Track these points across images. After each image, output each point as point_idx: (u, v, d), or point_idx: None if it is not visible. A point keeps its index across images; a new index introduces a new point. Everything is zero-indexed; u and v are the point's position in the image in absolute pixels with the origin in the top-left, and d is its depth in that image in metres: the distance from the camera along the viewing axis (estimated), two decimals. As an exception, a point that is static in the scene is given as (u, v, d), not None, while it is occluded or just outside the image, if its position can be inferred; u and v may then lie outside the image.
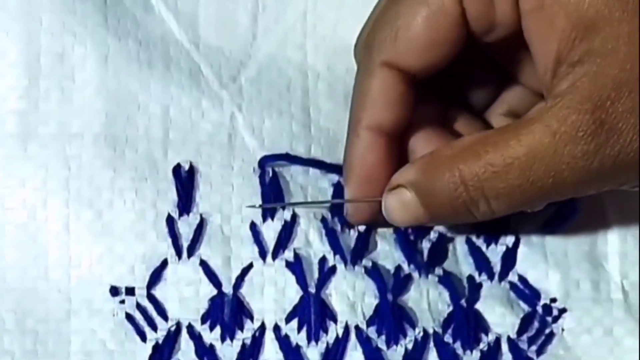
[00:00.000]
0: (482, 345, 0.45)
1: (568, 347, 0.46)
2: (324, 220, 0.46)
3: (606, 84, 0.38)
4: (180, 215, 0.45)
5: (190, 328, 0.44)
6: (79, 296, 0.44)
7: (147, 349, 0.44)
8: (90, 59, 0.45)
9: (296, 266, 0.45)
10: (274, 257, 0.45)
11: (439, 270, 0.46)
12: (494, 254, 0.47)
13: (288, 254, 0.45)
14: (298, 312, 0.44)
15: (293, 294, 0.45)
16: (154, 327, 0.44)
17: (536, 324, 0.46)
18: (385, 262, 0.46)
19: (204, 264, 0.45)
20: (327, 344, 0.44)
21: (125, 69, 0.45)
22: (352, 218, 0.46)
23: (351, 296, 0.45)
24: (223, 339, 0.44)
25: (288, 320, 0.45)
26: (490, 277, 0.46)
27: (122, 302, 0.44)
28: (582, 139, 0.38)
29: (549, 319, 0.46)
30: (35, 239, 0.44)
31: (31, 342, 0.43)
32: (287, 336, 0.44)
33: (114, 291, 0.44)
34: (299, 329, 0.44)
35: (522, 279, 0.46)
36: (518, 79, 0.45)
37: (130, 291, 0.44)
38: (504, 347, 0.45)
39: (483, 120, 0.47)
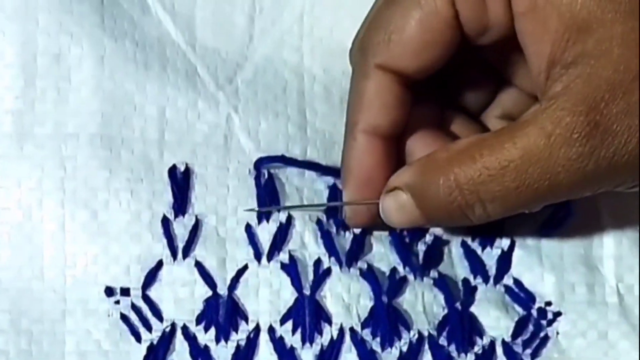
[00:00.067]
0: (477, 349, 0.45)
1: (563, 350, 0.46)
2: (319, 222, 0.46)
3: (600, 85, 0.38)
4: (176, 216, 0.45)
5: (185, 329, 0.44)
6: (74, 296, 0.44)
7: (142, 349, 0.44)
8: (87, 59, 0.45)
9: (291, 268, 0.45)
10: (269, 258, 0.45)
11: (434, 273, 0.46)
12: (489, 257, 0.47)
13: (283, 256, 0.45)
14: (293, 314, 0.44)
15: (288, 295, 0.45)
16: (148, 328, 0.44)
17: (531, 327, 0.46)
18: (381, 265, 0.46)
19: (199, 265, 0.45)
20: (322, 345, 0.44)
21: (121, 70, 0.46)
22: (350, 221, 0.46)
23: (346, 298, 0.45)
24: (218, 340, 0.44)
25: (283, 321, 0.44)
26: (485, 280, 0.46)
27: (117, 302, 0.44)
28: (577, 141, 0.38)
29: (544, 322, 0.46)
30: (30, 239, 0.44)
31: (26, 342, 0.43)
32: (281, 338, 0.44)
33: (109, 292, 0.44)
34: (294, 331, 0.44)
35: (517, 282, 0.46)
36: (513, 82, 0.45)
37: (125, 292, 0.44)
38: (499, 350, 0.45)
39: (479, 123, 0.47)
